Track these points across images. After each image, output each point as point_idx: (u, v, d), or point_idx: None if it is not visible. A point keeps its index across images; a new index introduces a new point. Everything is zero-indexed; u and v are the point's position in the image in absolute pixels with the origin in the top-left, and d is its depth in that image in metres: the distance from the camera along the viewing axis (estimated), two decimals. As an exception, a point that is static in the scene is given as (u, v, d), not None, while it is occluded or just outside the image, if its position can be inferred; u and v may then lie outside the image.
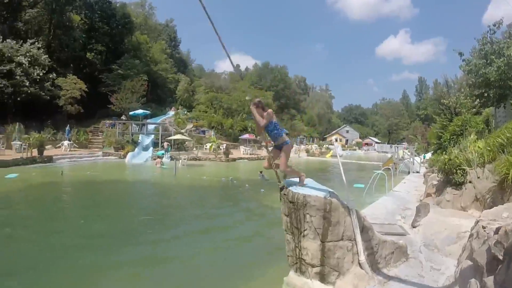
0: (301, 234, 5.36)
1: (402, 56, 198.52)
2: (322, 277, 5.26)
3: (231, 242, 9.40)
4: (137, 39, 49.14)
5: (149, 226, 10.80)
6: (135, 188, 19.38)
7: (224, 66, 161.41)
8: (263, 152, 35.65)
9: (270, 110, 5.15)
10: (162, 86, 51.60)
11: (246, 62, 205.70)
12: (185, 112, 47.25)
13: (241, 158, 33.61)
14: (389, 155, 35.64)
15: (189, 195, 17.19)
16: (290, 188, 5.49)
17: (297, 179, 5.81)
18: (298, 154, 42.08)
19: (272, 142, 5.42)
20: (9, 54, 28.90)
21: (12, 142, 25.12)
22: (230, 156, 32.71)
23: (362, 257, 5.25)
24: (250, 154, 35.68)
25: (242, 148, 38.01)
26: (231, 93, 55.99)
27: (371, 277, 5.22)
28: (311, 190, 5.47)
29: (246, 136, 42.86)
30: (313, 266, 5.28)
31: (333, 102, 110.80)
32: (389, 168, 14.69)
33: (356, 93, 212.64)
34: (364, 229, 5.49)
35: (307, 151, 45.89)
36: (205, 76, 68.24)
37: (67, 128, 29.84)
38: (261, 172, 6.93)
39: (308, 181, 5.86)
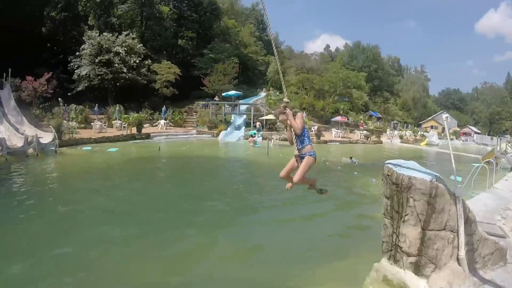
0: (401, 219, 5.06)
1: (505, 33, 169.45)
2: (417, 268, 4.97)
3: (319, 222, 9.46)
4: (225, 24, 49.58)
5: (244, 205, 11.20)
6: (229, 164, 19.69)
7: (314, 47, 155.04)
8: (355, 136, 34.01)
9: (300, 113, 4.76)
10: (253, 68, 51.28)
11: (336, 42, 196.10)
12: (277, 94, 46.38)
13: (332, 141, 31.75)
14: (489, 148, 30.66)
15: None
16: (394, 168, 5.11)
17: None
18: (391, 140, 37.71)
19: (296, 149, 4.59)
20: (107, 46, 31.17)
21: (113, 121, 26.95)
22: (321, 138, 31.08)
23: (462, 252, 4.79)
24: (342, 137, 33.27)
25: (334, 130, 35.50)
26: (323, 74, 53.08)
27: (467, 277, 4.80)
28: (416, 172, 5.01)
29: (338, 118, 40.07)
30: (409, 255, 4.99)
31: (429, 85, 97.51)
32: (489, 162, 11.87)
33: (454, 76, 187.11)
34: (468, 221, 5.02)
35: (401, 137, 40.95)
36: (295, 57, 66.10)
37: (164, 108, 31.05)
38: (351, 157, 9.31)
39: (410, 163, 5.34)
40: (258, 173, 18.07)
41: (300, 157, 4.54)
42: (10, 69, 24.01)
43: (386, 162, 5.42)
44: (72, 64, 31.42)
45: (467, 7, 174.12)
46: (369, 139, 33.84)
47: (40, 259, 6.76)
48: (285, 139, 29.07)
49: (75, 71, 30.87)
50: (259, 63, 53.37)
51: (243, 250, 7.94)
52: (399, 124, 61.69)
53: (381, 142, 34.25)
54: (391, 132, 43.89)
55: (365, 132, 35.72)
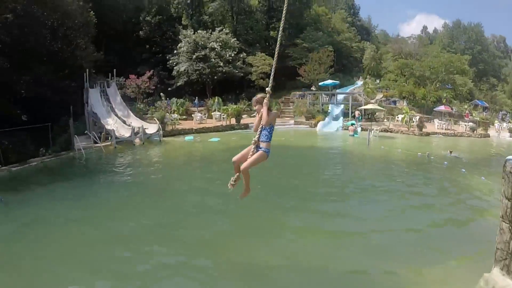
0: None
1: None
2: None
3: (424, 222, 9.01)
4: (315, 11, 47.61)
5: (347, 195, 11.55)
6: (330, 155, 19.50)
7: (409, 30, 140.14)
8: (460, 128, 29.85)
9: (275, 112, 4.86)
10: (347, 56, 48.46)
11: (433, 22, 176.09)
12: (376, 81, 43.14)
13: (435, 133, 27.82)
14: None
15: (384, 168, 16.27)
16: None
17: None
18: (499, 134, 31.04)
19: (255, 139, 4.56)
20: (202, 42, 31.71)
21: (212, 113, 27.69)
22: (423, 130, 27.51)
23: None
24: (445, 129, 28.79)
25: (436, 121, 30.77)
26: (422, 59, 47.48)
27: None
28: None
29: (441, 108, 34.69)
30: None
31: None
32: None
33: None
34: None
35: (510, 130, 33.37)
36: (390, 42, 60.91)
37: None
38: (451, 151, 10.04)
39: None
40: (359, 164, 17.18)
41: (256, 148, 4.57)
42: (115, 70, 26.00)
43: (508, 157, 4.88)
44: (170, 61, 32.57)
45: None
46: (475, 131, 28.71)
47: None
48: (386, 130, 26.46)
49: (174, 68, 31.93)
50: (353, 50, 50.28)
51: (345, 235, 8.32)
52: (508, 115, 52.48)
53: (488, 136, 28.75)
54: (499, 124, 37.06)
55: (470, 124, 30.42)
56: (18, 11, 20.12)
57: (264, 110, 4.48)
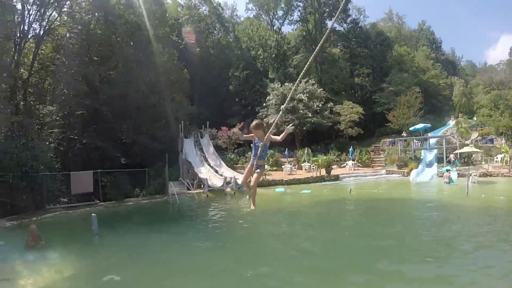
0: None
1: None
2: None
3: None
4: (397, 52, 46.75)
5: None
6: (424, 211, 16.88)
7: (496, 55, 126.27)
8: None
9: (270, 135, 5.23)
10: (436, 95, 46.21)
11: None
12: (471, 119, 39.91)
13: None
14: None
15: (488, 223, 13.51)
16: None
17: None
18: None
19: (255, 159, 5.15)
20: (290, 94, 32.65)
21: (302, 164, 28.08)
22: None
23: None
24: None
25: None
26: (521, 86, 43.17)
27: None
28: None
29: None
30: None
31: None
32: None
33: None
34: None
35: None
36: (478, 72, 56.46)
37: (350, 149, 30.57)
38: None
39: None
40: (456, 220, 14.54)
41: (257, 167, 5.09)
42: (208, 122, 28.15)
43: None
44: (260, 114, 34.39)
45: None
46: None
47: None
48: (485, 174, 23.79)
49: (264, 119, 33.27)
50: (441, 88, 47.79)
51: None
52: None
53: None
54: None
55: None
56: (120, 69, 23.38)
57: (268, 137, 5.01)
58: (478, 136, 33.63)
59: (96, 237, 11.75)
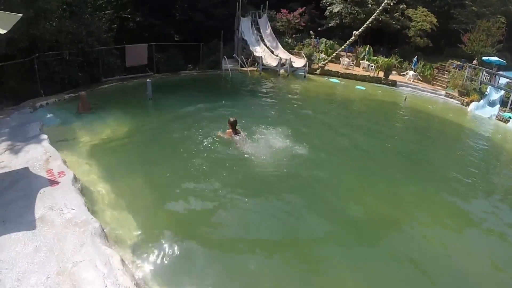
0: None
1: None
2: None
3: None
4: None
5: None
6: (476, 144, 15.83)
7: None
8: None
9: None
10: (523, 34, 40.57)
11: None
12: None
13: None
14: None
15: None
16: None
17: None
18: None
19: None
20: None
21: (360, 61, 26.56)
22: None
23: None
24: None
25: None
26: None
27: None
28: None
29: None
30: None
31: None
32: None
33: None
34: None
35: None
36: None
37: (415, 59, 28.21)
38: None
39: None
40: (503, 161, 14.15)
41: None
42: (267, 2, 26.22)
43: None
44: (324, 1, 31.20)
45: None
46: None
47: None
48: None
49: (328, 8, 30.60)
50: (531, 29, 42.02)
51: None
52: None
53: None
54: None
55: None
56: None
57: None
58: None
59: (150, 101, 12.57)
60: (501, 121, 22.87)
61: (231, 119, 8.97)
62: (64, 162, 7.03)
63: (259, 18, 25.78)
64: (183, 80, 17.46)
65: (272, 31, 25.55)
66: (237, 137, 8.93)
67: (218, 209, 6.43)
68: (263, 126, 10.11)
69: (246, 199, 6.82)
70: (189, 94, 14.14)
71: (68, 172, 6.55)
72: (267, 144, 9.06)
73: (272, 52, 23.39)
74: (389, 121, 15.87)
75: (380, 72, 24.16)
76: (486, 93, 27.14)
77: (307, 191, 7.54)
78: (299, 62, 22.20)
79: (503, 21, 32.75)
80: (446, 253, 6.15)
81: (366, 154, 10.23)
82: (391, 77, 24.38)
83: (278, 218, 6.44)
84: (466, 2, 34.26)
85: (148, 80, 13.21)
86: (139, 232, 5.47)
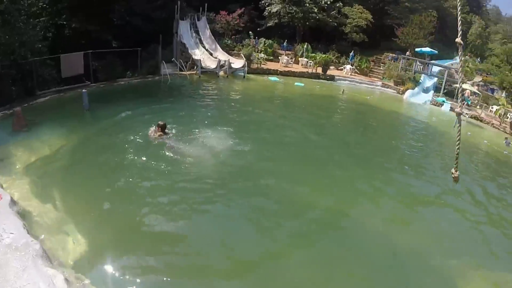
0: None
1: None
2: None
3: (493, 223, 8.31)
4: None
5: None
6: (411, 127, 18.22)
7: None
8: None
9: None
10: (452, 27, 43.36)
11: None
12: (476, 61, 38.78)
13: None
14: None
15: (465, 155, 14.31)
16: None
17: None
18: None
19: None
20: None
21: (299, 58, 26.89)
22: None
23: None
24: None
25: None
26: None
27: None
28: None
29: None
30: None
31: None
32: None
33: None
34: None
35: None
36: (502, 21, 53.76)
37: (351, 53, 29.35)
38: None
39: None
40: (442, 146, 15.74)
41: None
42: (206, 4, 25.83)
43: None
44: (263, 1, 31.57)
45: None
46: None
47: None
48: (476, 117, 25.88)
49: (266, 8, 30.99)
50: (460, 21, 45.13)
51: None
52: None
53: None
54: None
55: None
56: None
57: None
58: (481, 81, 32.65)
59: (87, 113, 12.12)
60: (435, 105, 24.88)
61: (160, 123, 9.31)
62: (0, 185, 6.71)
63: (198, 20, 25.55)
64: (122, 88, 17.03)
65: (211, 33, 25.39)
66: (167, 140, 9.19)
67: (159, 221, 6.34)
68: (205, 128, 10.18)
69: (187, 207, 6.80)
70: (127, 102, 13.64)
71: (4, 195, 6.24)
72: (208, 144, 9.11)
73: (211, 54, 23.23)
74: (329, 113, 16.48)
75: (318, 68, 24.75)
76: (420, 81, 28.83)
77: (251, 189, 7.69)
78: (238, 63, 22.27)
79: (434, 14, 34.98)
80: (381, 229, 6.96)
81: (309, 147, 10.54)
82: (329, 72, 25.08)
83: (217, 225, 6.51)
84: (400, -1, 36.37)
85: (84, 90, 12.58)
86: (83, 250, 5.36)
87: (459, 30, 3.59)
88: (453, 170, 4.38)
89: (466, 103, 26.09)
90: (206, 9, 26.08)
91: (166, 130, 9.49)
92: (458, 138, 4.52)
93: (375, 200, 8.09)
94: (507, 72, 38.10)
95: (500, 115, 25.19)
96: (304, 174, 8.65)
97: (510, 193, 10.66)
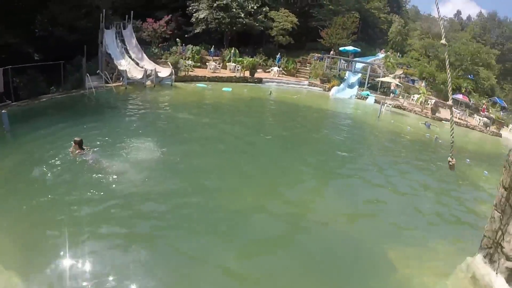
0: None
1: None
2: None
3: (417, 200, 9.32)
4: (350, -25, 45.04)
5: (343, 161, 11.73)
6: (337, 120, 19.46)
7: (443, 11, 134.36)
8: (473, 121, 29.77)
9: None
10: (373, 26, 46.69)
11: (470, 9, 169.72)
12: (397, 56, 41.78)
13: (448, 120, 26.59)
14: None
15: (390, 142, 16.81)
16: None
17: None
18: None
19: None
20: None
21: (227, 63, 27.07)
22: (437, 114, 26.89)
23: None
24: (459, 119, 27.95)
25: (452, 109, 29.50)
26: (450, 43, 45.23)
27: None
28: None
29: (459, 96, 33.41)
30: (508, 258, 4.35)
31: None
32: None
33: None
34: None
35: None
36: (420, 19, 58.51)
37: (278, 55, 30.24)
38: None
39: None
40: (366, 133, 17.42)
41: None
42: (132, 12, 25.17)
43: None
44: (190, 8, 31.51)
45: None
46: (488, 128, 27.90)
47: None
48: (399, 107, 25.56)
49: (194, 14, 30.95)
50: (380, 21, 48.38)
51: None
52: None
53: (500, 136, 27.90)
54: None
55: (485, 119, 29.58)
56: None
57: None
58: (402, 73, 35.27)
59: (8, 135, 11.06)
60: (360, 99, 26.80)
61: (77, 139, 8.83)
62: None
63: (124, 29, 24.92)
64: (45, 105, 15.80)
65: (137, 42, 24.77)
66: (87, 156, 8.77)
67: (84, 254, 5.57)
68: (131, 140, 9.83)
69: (108, 225, 6.32)
70: (51, 121, 12.69)
71: None
72: (133, 158, 8.77)
73: (138, 64, 22.61)
74: (257, 115, 16.98)
75: (246, 71, 25.19)
76: (345, 77, 30.67)
77: (179, 201, 7.43)
78: (165, 72, 22.03)
79: (356, 16, 37.18)
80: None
81: (239, 151, 10.73)
82: (256, 75, 25.64)
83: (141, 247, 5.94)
84: (324, 2, 38.03)
85: (3, 111, 11.34)
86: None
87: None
88: (449, 158, 4.95)
89: (394, 94, 28.88)
90: (132, 17, 25.44)
91: (84, 146, 9.00)
92: (452, 128, 5.20)
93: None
94: (425, 63, 41.63)
95: (421, 103, 27.75)
96: (236, 177, 8.86)
97: (431, 170, 12.38)
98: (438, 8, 4.78)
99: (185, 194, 7.59)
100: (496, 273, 4.53)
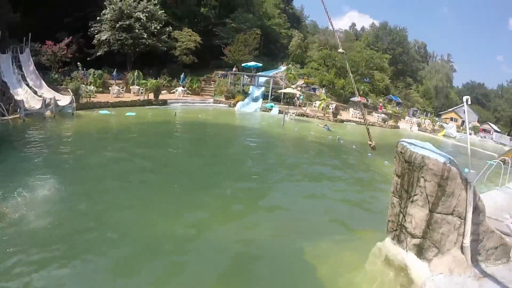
0: (409, 199, 5.04)
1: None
2: (420, 251, 4.95)
3: (327, 197, 10.08)
4: (249, -7, 47.81)
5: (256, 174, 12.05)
6: (244, 133, 20.81)
7: (339, 24, 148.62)
8: (373, 118, 34.58)
9: None
10: (275, 41, 50.09)
11: (364, 21, 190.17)
12: (298, 68, 45.66)
13: (349, 121, 31.69)
14: (506, 148, 30.22)
15: (296, 147, 18.37)
16: (409, 146, 5.07)
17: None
18: (411, 127, 37.32)
19: None
20: (128, 11, 30.44)
21: (131, 87, 27.11)
22: (338, 117, 31.00)
23: (467, 241, 4.67)
24: (359, 118, 32.46)
25: (351, 110, 34.79)
26: (346, 52, 50.67)
27: (468, 266, 4.71)
28: (430, 152, 4.95)
29: (355, 98, 38.81)
30: (413, 236, 4.98)
31: (453, 75, 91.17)
32: (504, 161, 11.04)
33: (481, 70, 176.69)
34: (476, 210, 4.82)
35: (419, 125, 39.96)
36: (318, 33, 64.16)
37: (182, 75, 31.10)
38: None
39: (426, 144, 5.29)
40: (272, 142, 18.81)
41: None
42: (30, 34, 24.10)
43: (400, 140, 5.41)
44: (92, 29, 30.98)
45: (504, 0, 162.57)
46: (386, 123, 33.33)
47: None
48: (302, 114, 29.68)
49: (95, 36, 30.53)
50: (281, 36, 52.08)
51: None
52: (418, 112, 59.92)
53: (398, 127, 33.65)
54: (410, 118, 43.14)
55: (383, 115, 35.15)
56: None
57: None
58: (303, 83, 38.89)
59: None
60: (265, 111, 29.11)
61: None
62: None
63: (21, 53, 23.71)
64: None
65: (35, 68, 23.64)
66: None
67: None
68: (28, 180, 9.19)
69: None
70: None
71: None
72: (30, 199, 8.12)
73: (36, 92, 21.26)
74: (161, 139, 16.81)
75: (150, 94, 25.42)
76: (249, 92, 32.83)
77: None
78: (64, 100, 21.36)
79: (258, 32, 39.78)
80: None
81: (144, 178, 10.54)
82: (161, 97, 26.07)
83: None
84: (227, 20, 40.18)
85: None
86: None
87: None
88: (369, 142, 6.29)
89: (300, 100, 32.49)
90: (30, 39, 24.35)
91: None
92: (365, 120, 7.27)
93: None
94: (324, 72, 46.22)
95: (323, 108, 31.18)
96: (146, 206, 8.58)
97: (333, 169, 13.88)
98: (331, 22, 6.58)
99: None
100: (406, 251, 5.01)
